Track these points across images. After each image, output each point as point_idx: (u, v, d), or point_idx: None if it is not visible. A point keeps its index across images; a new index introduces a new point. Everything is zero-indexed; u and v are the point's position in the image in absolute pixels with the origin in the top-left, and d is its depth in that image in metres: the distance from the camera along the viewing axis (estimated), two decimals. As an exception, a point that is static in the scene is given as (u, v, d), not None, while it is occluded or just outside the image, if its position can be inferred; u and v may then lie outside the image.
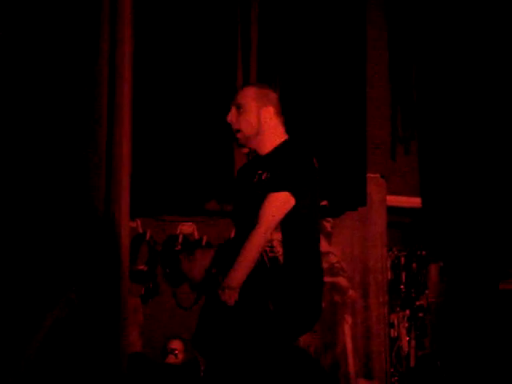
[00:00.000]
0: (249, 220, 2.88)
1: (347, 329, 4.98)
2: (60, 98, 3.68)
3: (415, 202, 5.34)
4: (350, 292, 5.04)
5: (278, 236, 2.88)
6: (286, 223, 2.86)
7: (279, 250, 2.88)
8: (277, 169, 2.87)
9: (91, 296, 3.69)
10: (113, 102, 3.79)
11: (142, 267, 5.06)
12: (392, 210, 5.24)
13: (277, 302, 2.80)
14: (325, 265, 5.01)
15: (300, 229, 2.91)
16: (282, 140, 2.97)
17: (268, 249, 2.87)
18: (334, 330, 4.99)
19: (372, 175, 5.06)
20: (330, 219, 5.03)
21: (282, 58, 4.93)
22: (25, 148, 3.60)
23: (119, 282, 3.80)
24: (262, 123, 2.95)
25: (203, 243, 5.18)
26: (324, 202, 4.86)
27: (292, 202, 2.85)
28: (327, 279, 4.96)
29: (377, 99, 5.27)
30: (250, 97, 2.97)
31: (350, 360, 4.92)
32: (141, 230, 5.04)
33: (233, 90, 4.32)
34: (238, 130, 2.97)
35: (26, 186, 3.58)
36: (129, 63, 3.91)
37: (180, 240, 5.13)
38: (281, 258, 2.87)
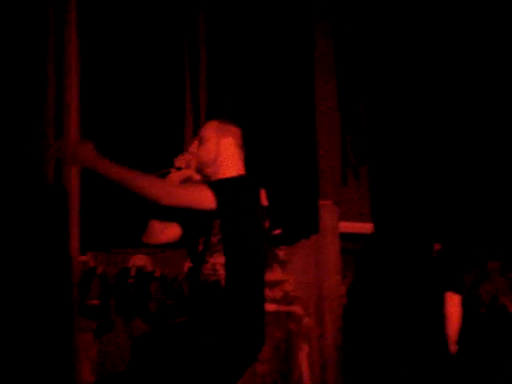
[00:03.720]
0: (198, 248, 2.89)
1: (303, 357, 4.96)
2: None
3: (367, 227, 5.37)
4: (306, 320, 5.03)
5: (221, 260, 2.88)
6: (229, 247, 2.87)
7: (222, 273, 2.88)
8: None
9: (43, 332, 3.62)
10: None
11: (94, 302, 4.99)
12: (345, 237, 5.26)
13: (214, 332, 2.78)
14: (279, 293, 5.02)
15: (243, 253, 2.91)
16: (237, 174, 3.01)
17: (211, 272, 2.87)
18: (289, 358, 4.97)
19: (324, 202, 5.09)
20: (283, 247, 5.03)
21: (231, 83, 4.96)
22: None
23: (72, 319, 3.75)
24: (221, 152, 3.04)
25: (157, 275, 5.14)
26: (277, 231, 4.87)
27: (212, 202, 2.85)
28: (282, 308, 4.95)
29: (327, 126, 5.31)
30: (211, 128, 3.09)
31: (308, 388, 4.90)
32: (92, 264, 4.99)
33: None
34: (197, 159, 3.04)
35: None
36: (76, 63, 3.89)
37: (133, 273, 5.09)
38: (222, 282, 2.87)
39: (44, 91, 3.69)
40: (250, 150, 4.81)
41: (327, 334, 5.08)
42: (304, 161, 4.94)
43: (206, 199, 2.90)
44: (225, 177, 3.00)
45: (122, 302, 5.05)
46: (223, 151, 3.02)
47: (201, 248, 2.90)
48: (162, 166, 3.25)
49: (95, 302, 4.99)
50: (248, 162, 4.60)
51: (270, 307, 4.90)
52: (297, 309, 4.98)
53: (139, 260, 5.16)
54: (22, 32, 3.68)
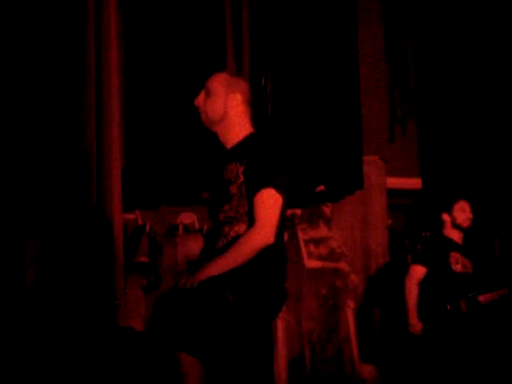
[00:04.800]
0: (223, 218, 2.87)
1: (350, 313, 4.95)
2: (49, 93, 3.66)
3: (416, 183, 5.29)
4: (352, 276, 5.01)
5: (244, 228, 2.86)
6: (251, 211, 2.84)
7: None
8: (252, 163, 2.84)
9: (87, 290, 3.68)
10: (101, 94, 3.77)
11: (143, 259, 5.04)
12: (393, 193, 5.19)
13: (236, 292, 2.77)
14: (325, 250, 5.00)
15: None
16: (248, 133, 2.96)
17: (233, 238, 2.86)
18: (336, 315, 4.96)
19: (370, 158, 5.02)
20: (329, 204, 4.99)
21: (272, 43, 4.89)
22: (17, 145, 3.59)
23: (113, 275, 3.80)
24: (228, 109, 2.95)
25: (204, 233, 5.16)
26: (321, 187, 4.83)
27: (280, 198, 2.83)
28: (328, 264, 4.93)
29: (372, 80, 5.22)
30: (218, 82, 2.98)
31: (354, 345, 4.89)
32: (140, 222, 5.03)
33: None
34: (204, 113, 2.97)
35: (18, 182, 3.57)
36: (116, 56, 3.88)
37: (180, 230, 5.12)
38: None
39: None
40: (294, 107, 4.79)
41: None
42: (348, 116, 4.87)
43: (278, 201, 2.81)
44: (235, 138, 2.91)
45: (172, 258, 5.10)
46: (230, 108, 2.93)
47: (223, 216, 2.87)
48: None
49: (144, 259, 5.04)
50: (291, 118, 4.58)
51: (315, 264, 4.89)
52: (343, 265, 4.96)
53: (186, 217, 5.18)
54: (62, 31, 3.67)
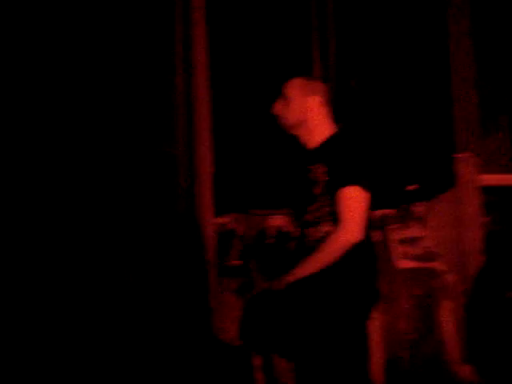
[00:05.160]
0: (309, 219, 2.87)
1: (447, 314, 4.85)
2: (138, 97, 3.73)
3: (510, 179, 5.14)
4: (448, 276, 4.91)
5: (330, 228, 2.84)
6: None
7: None
8: (336, 162, 2.83)
9: (181, 295, 3.73)
10: (190, 98, 3.81)
11: (235, 262, 5.10)
12: (488, 190, 5.07)
13: (326, 292, 2.77)
14: (419, 250, 4.91)
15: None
16: (330, 133, 2.95)
17: (320, 239, 2.84)
18: (432, 315, 4.87)
19: (462, 155, 4.91)
20: (421, 203, 4.91)
21: (359, 41, 4.85)
22: (110, 148, 3.66)
23: (207, 279, 3.84)
24: (308, 112, 2.95)
25: (296, 235, 5.17)
26: (413, 186, 4.76)
27: (365, 195, 2.81)
28: (422, 264, 4.85)
29: (463, 74, 5.09)
30: (295, 87, 3.00)
31: (452, 346, 4.79)
32: (232, 226, 5.09)
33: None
34: (284, 119, 2.98)
35: (108, 185, 3.65)
36: (203, 56, 3.92)
37: (272, 233, 5.14)
38: None
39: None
40: (383, 106, 4.73)
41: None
42: (439, 113, 4.78)
43: (363, 199, 2.80)
44: (317, 140, 2.91)
45: (263, 261, 5.13)
46: (310, 111, 2.93)
47: (310, 217, 2.87)
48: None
49: (236, 262, 5.09)
50: (381, 118, 4.53)
51: (409, 264, 4.82)
52: (438, 265, 4.87)
53: (278, 220, 5.20)
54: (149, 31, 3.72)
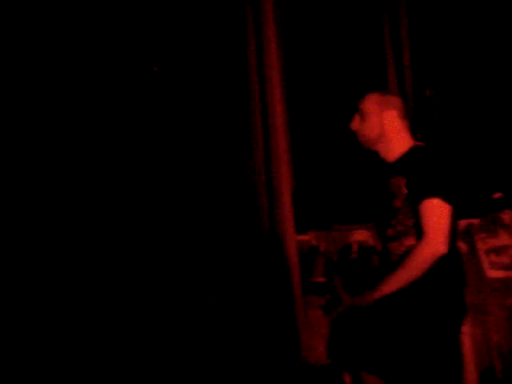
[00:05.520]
0: (391, 233, 2.84)
1: (540, 324, 4.70)
2: (217, 123, 3.77)
3: None
4: (539, 285, 4.76)
5: (413, 242, 2.80)
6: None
7: None
8: (415, 175, 2.80)
9: (267, 314, 3.73)
10: (266, 114, 3.82)
11: (320, 279, 5.08)
12: None
13: (414, 307, 2.72)
14: (508, 259, 4.78)
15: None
16: (410, 146, 2.92)
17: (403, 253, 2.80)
18: (526, 326, 4.73)
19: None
20: (507, 211, 4.79)
21: (433, 50, 4.80)
22: (188, 172, 3.70)
23: (293, 296, 3.83)
24: (385, 126, 2.94)
25: (379, 249, 5.12)
26: (498, 195, 4.66)
27: (447, 207, 2.76)
28: (511, 274, 4.72)
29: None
30: (371, 102, 2.99)
31: (548, 356, 4.63)
32: (314, 243, 5.08)
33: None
34: (362, 135, 2.97)
35: (191, 204, 3.68)
36: (278, 75, 3.93)
37: (355, 248, 5.11)
38: None
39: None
40: (461, 114, 4.66)
41: None
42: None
43: (445, 211, 2.77)
44: (395, 153, 2.88)
45: (347, 277, 5.09)
46: (387, 125, 2.91)
47: (391, 231, 2.84)
48: None
49: (321, 279, 5.07)
50: (460, 126, 4.44)
51: (498, 274, 4.69)
52: (528, 273, 4.73)
53: (360, 235, 5.17)
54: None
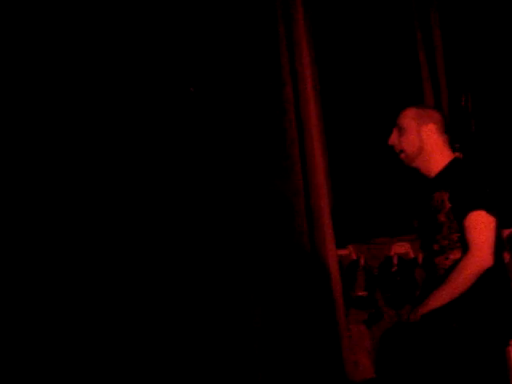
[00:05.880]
0: (437, 248, 2.81)
1: None
2: (253, 140, 3.77)
3: None
4: None
5: (459, 256, 2.77)
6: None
7: None
8: (458, 188, 2.77)
9: (310, 329, 3.72)
10: (303, 130, 3.82)
11: (361, 293, 5.04)
12: None
13: (462, 321, 2.68)
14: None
15: None
16: (450, 159, 2.90)
17: (449, 267, 2.77)
18: None
19: None
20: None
21: (468, 59, 4.77)
22: (229, 188, 3.70)
23: (335, 311, 3.82)
24: (424, 141, 2.92)
25: (419, 262, 5.07)
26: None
27: (492, 219, 2.73)
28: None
29: None
30: (409, 117, 2.97)
31: None
32: (354, 257, 5.04)
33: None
34: (401, 151, 2.95)
35: (231, 224, 3.68)
36: (312, 92, 3.93)
37: (395, 261, 5.06)
38: None
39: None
40: (498, 122, 4.61)
41: None
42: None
43: (490, 223, 2.74)
44: (436, 168, 2.86)
45: (389, 290, 5.05)
46: (426, 140, 2.88)
47: (437, 246, 2.82)
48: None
49: (362, 293, 5.03)
50: (497, 134, 4.39)
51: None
52: None
53: (400, 247, 5.12)
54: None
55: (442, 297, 2.70)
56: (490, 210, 2.71)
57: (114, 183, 3.45)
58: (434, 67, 4.79)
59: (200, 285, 3.52)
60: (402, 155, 2.96)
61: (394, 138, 2.99)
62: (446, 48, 4.82)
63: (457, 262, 2.73)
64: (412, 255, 5.02)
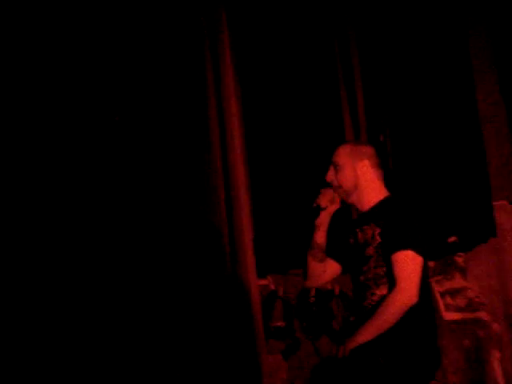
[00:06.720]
0: (363, 280, 2.88)
1: (496, 364, 4.78)
2: (184, 174, 3.79)
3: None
4: (494, 326, 4.86)
5: (386, 291, 2.85)
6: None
7: None
8: (390, 225, 2.85)
9: (231, 359, 3.73)
10: (227, 168, 3.88)
11: (279, 323, 5.09)
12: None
13: (388, 356, 2.76)
14: (463, 301, 4.88)
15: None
16: (383, 196, 2.99)
17: (376, 303, 2.84)
18: (481, 366, 4.81)
19: (499, 203, 4.90)
20: (461, 254, 4.89)
21: (387, 96, 4.92)
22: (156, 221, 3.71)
23: (255, 341, 3.85)
24: (359, 177, 2.99)
25: (336, 293, 5.15)
26: (453, 238, 4.75)
27: (419, 259, 2.82)
28: (467, 315, 4.81)
29: (493, 124, 5.12)
30: (344, 154, 3.04)
31: (503, 397, 4.72)
32: (273, 287, 5.09)
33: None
34: (338, 187, 3.01)
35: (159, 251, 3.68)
36: (237, 127, 4.00)
37: (313, 292, 5.13)
38: None
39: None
40: (416, 159, 4.76)
41: (520, 339, 4.88)
42: (472, 163, 4.79)
43: (417, 263, 2.82)
44: (370, 202, 2.94)
45: (306, 321, 5.11)
46: (361, 176, 2.96)
47: (363, 278, 2.88)
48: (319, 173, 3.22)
49: (280, 323, 5.08)
50: (415, 171, 4.53)
51: (454, 316, 4.78)
52: (483, 315, 4.82)
53: (317, 279, 5.20)
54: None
55: (368, 332, 2.76)
56: (417, 250, 2.80)
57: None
58: (355, 105, 4.93)
59: (113, 315, 3.49)
60: (340, 191, 3.03)
61: (331, 175, 3.04)
62: (366, 86, 4.96)
63: (383, 298, 2.80)
64: (329, 286, 5.11)
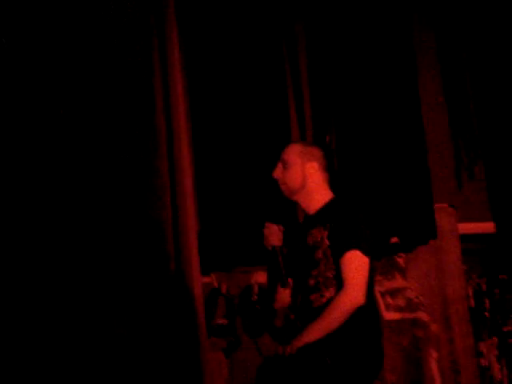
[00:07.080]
0: (313, 284, 2.90)
1: (434, 364, 4.88)
2: (128, 170, 3.76)
3: (488, 227, 5.23)
4: (433, 326, 4.95)
5: (333, 291, 2.88)
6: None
7: None
8: (337, 227, 2.88)
9: (174, 357, 3.72)
10: (173, 167, 3.86)
11: (221, 321, 5.09)
12: (466, 238, 5.15)
13: (334, 355, 2.79)
14: (402, 301, 4.96)
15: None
16: (329, 198, 3.01)
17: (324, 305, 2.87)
18: (420, 366, 4.90)
19: (440, 205, 5.00)
20: (402, 254, 4.97)
21: (333, 98, 4.97)
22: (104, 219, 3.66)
23: (198, 339, 3.84)
24: (307, 178, 3.01)
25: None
26: (394, 239, 4.82)
27: (366, 260, 2.85)
28: (407, 315, 4.89)
29: (435, 127, 5.22)
30: (294, 153, 3.05)
31: (440, 396, 4.81)
32: (216, 285, 5.09)
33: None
34: (283, 184, 3.03)
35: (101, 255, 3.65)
36: (184, 124, 3.98)
37: (256, 290, 5.15)
38: None
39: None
40: (360, 161, 4.82)
41: (456, 339, 4.98)
42: (415, 166, 4.87)
43: (365, 264, 2.85)
44: (316, 205, 2.97)
45: (248, 319, 5.13)
46: (309, 177, 2.98)
47: (312, 282, 2.90)
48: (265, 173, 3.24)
49: (222, 321, 5.08)
50: (359, 173, 4.59)
51: (393, 316, 4.86)
52: (422, 315, 4.91)
53: (260, 277, 5.22)
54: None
55: (315, 331, 2.79)
56: (364, 250, 2.83)
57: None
58: (301, 106, 4.96)
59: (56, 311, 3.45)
60: (284, 188, 3.04)
61: (278, 172, 3.05)
62: (313, 88, 5.00)
63: (331, 299, 2.82)
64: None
